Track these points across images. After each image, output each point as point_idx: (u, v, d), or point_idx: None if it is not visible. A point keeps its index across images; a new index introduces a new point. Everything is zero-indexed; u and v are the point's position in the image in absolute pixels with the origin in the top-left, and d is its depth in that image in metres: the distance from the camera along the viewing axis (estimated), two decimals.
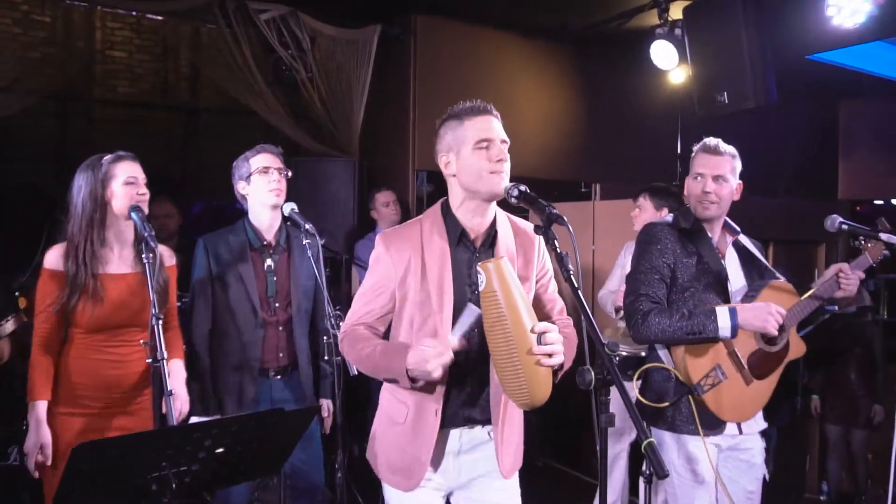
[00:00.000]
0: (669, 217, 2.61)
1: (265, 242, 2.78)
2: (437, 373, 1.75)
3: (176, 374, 2.54)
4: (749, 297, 2.45)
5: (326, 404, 2.87)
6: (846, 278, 2.39)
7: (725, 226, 2.57)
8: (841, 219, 2.51)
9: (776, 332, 2.32)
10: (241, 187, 2.77)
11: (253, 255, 2.75)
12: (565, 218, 1.66)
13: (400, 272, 1.93)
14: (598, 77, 5.69)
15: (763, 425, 2.50)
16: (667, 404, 2.38)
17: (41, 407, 2.34)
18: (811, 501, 4.25)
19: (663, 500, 3.71)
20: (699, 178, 2.48)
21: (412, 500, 1.98)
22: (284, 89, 4.85)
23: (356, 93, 4.72)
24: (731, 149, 2.51)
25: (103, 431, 2.38)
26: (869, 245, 2.48)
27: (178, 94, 6.58)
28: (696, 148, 2.55)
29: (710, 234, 2.50)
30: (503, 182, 1.86)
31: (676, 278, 2.44)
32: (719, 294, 2.44)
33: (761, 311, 2.29)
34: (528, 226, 2.04)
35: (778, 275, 2.53)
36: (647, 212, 3.67)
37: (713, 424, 2.37)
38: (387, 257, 1.94)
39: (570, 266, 1.62)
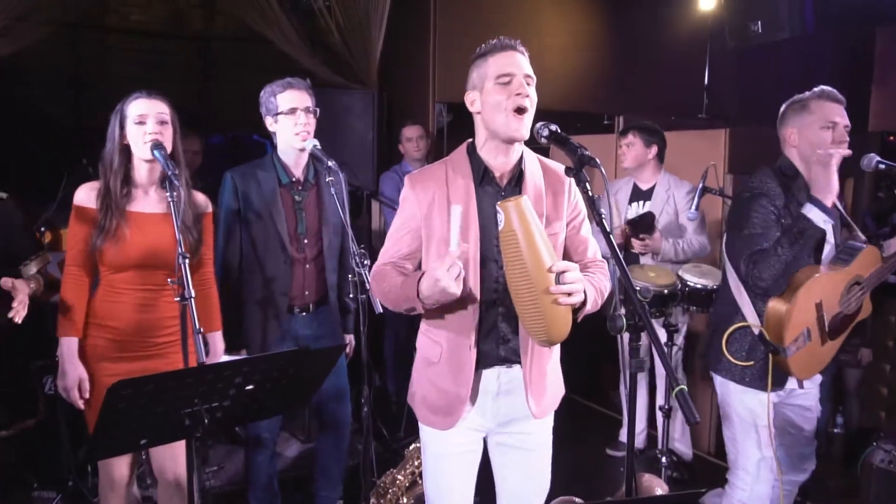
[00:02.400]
0: (771, 169, 2.51)
1: (294, 179, 2.75)
2: (453, 288, 1.72)
3: (214, 349, 2.54)
4: (842, 260, 2.43)
5: (349, 339, 2.93)
6: None
7: None
8: (878, 158, 2.45)
9: (751, 362, 2.43)
10: (268, 123, 2.73)
11: (282, 192, 2.73)
12: (598, 160, 1.62)
13: (424, 210, 1.94)
14: (623, 5, 5.48)
15: (819, 378, 2.61)
16: (750, 363, 2.45)
17: (70, 344, 2.35)
18: (827, 435, 4.31)
19: (680, 430, 3.81)
20: (833, 126, 2.40)
21: (450, 440, 2.01)
22: (300, 17, 4.72)
23: (374, 21, 4.58)
24: None
25: (137, 374, 2.38)
26: None
27: (192, 22, 6.44)
28: (808, 96, 2.47)
29: (813, 192, 2.38)
30: (523, 126, 1.82)
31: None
32: (815, 256, 2.44)
33: None
34: (558, 166, 2.00)
35: (857, 231, 2.53)
36: (636, 148, 3.73)
37: (777, 381, 2.45)
38: (412, 196, 1.96)
39: (603, 210, 1.59)
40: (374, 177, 4.43)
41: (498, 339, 1.96)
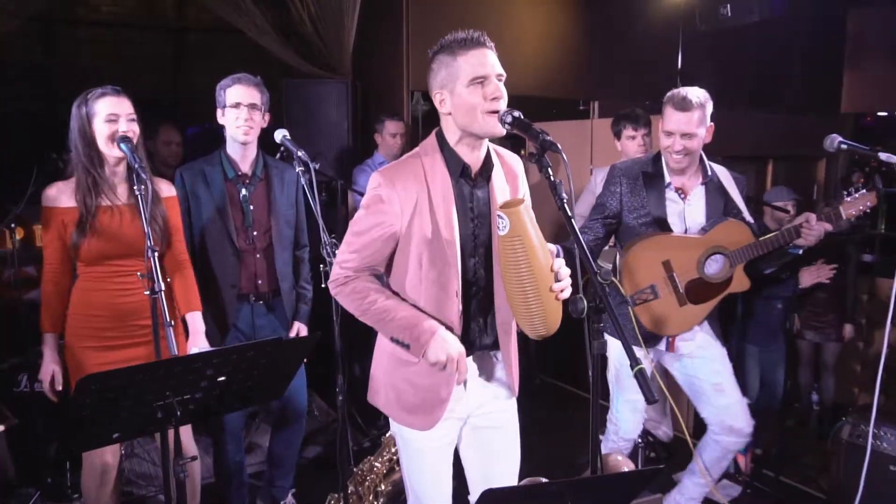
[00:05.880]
0: (643, 157, 2.81)
1: (240, 173, 2.80)
2: (450, 368, 1.83)
3: (196, 330, 2.57)
4: (703, 230, 2.65)
5: (297, 327, 2.95)
6: (809, 229, 2.52)
7: (701, 166, 2.70)
8: (840, 138, 2.49)
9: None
10: (218, 115, 2.78)
11: (228, 186, 2.78)
12: (559, 146, 1.63)
13: (408, 211, 1.86)
14: None
15: (704, 337, 2.75)
16: (602, 309, 2.63)
17: (48, 339, 2.46)
18: (801, 410, 4.39)
19: (660, 411, 3.87)
20: (669, 135, 2.60)
21: (432, 434, 1.99)
22: (272, 7, 4.68)
23: (347, 9, 4.55)
24: (700, 97, 2.58)
25: (119, 362, 2.42)
26: (848, 199, 2.53)
27: (164, 13, 6.37)
28: (665, 99, 2.63)
29: (668, 179, 2.68)
30: (499, 124, 1.80)
31: (622, 218, 2.71)
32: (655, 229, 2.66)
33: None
34: (510, 155, 2.04)
35: (746, 214, 2.67)
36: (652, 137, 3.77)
37: (647, 337, 2.67)
38: (393, 196, 1.86)
39: (564, 194, 1.61)
40: (350, 166, 4.41)
41: (479, 330, 1.98)
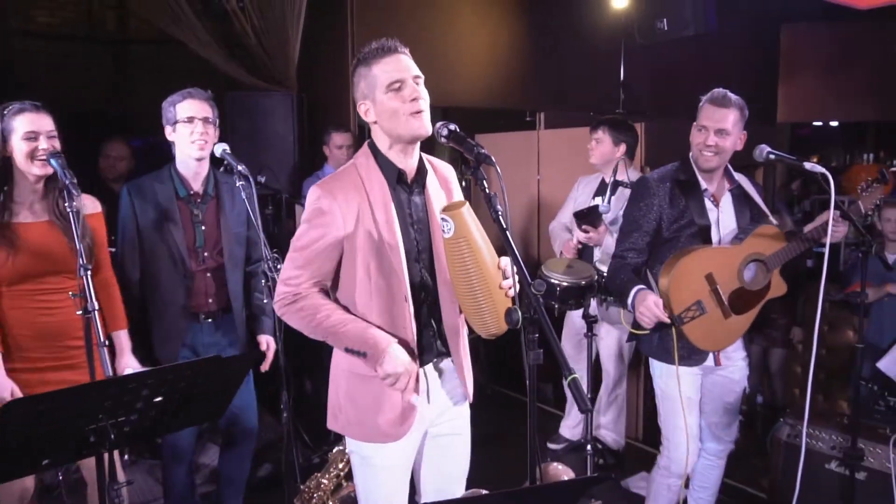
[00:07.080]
0: (669, 167, 2.72)
1: (192, 192, 2.71)
2: (401, 383, 1.85)
3: (122, 348, 2.51)
4: (738, 239, 2.63)
5: (265, 340, 2.87)
6: (836, 226, 2.53)
7: (726, 173, 2.70)
8: (769, 148, 2.57)
9: (647, 330, 2.56)
10: (168, 132, 2.69)
11: (179, 205, 2.69)
12: (493, 158, 1.66)
13: (351, 224, 1.86)
14: (540, 3, 5.58)
15: (742, 354, 2.78)
16: (647, 331, 2.63)
17: None
18: (746, 413, 4.50)
19: (613, 419, 3.90)
20: (702, 130, 2.58)
21: (396, 450, 1.97)
22: (215, 19, 4.63)
23: (291, 22, 4.52)
24: (737, 100, 2.59)
25: (49, 385, 2.33)
26: (864, 194, 2.59)
27: (105, 24, 6.23)
28: (703, 98, 2.62)
29: (704, 185, 2.64)
30: (425, 124, 1.83)
31: (662, 228, 2.64)
32: (703, 242, 2.62)
33: (643, 308, 2.50)
34: (441, 163, 2.07)
35: (771, 219, 2.69)
36: (604, 145, 3.66)
37: (691, 354, 2.62)
38: (335, 208, 1.86)
39: (499, 207, 1.63)
40: (296, 179, 4.38)
41: (432, 334, 1.98)
